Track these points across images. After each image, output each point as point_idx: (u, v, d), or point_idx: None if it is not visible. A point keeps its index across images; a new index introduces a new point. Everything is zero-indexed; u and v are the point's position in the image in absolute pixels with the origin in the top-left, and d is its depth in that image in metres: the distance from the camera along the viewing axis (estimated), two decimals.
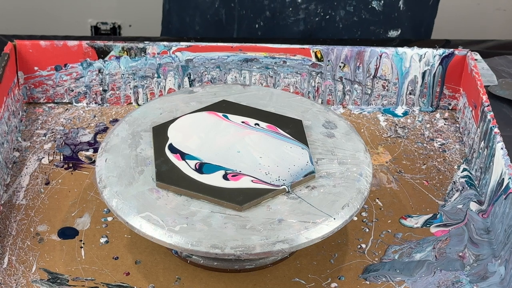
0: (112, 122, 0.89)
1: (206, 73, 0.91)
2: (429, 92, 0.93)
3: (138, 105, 0.92)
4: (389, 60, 0.91)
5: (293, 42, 0.94)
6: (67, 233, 0.75)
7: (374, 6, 1.13)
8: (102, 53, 0.90)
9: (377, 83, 0.92)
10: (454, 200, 0.81)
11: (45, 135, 0.87)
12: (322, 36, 1.17)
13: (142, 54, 0.90)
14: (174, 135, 0.75)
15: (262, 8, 1.16)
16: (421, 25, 1.23)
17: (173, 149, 0.73)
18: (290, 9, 1.14)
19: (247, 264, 0.71)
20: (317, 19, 1.14)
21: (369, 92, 0.93)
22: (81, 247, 0.73)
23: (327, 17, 1.14)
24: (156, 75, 0.91)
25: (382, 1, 1.14)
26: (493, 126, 0.79)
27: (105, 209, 0.77)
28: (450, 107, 0.94)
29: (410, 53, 0.91)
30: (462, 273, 0.72)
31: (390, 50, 0.91)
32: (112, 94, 0.92)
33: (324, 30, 1.17)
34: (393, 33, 1.18)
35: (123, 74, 0.91)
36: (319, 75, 0.92)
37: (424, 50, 0.91)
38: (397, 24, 1.18)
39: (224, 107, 0.79)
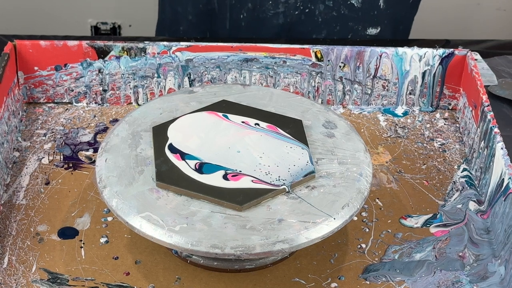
0: (112, 122, 0.89)
1: (206, 73, 0.91)
2: (429, 92, 0.93)
3: (138, 105, 0.92)
4: (389, 60, 0.91)
5: (292, 42, 0.94)
6: (67, 233, 0.75)
7: (353, 2, 1.14)
8: (102, 53, 0.90)
9: (377, 83, 0.92)
10: (454, 200, 0.81)
11: (45, 135, 0.87)
12: (301, 30, 1.17)
13: (142, 54, 0.90)
14: (174, 135, 0.75)
15: None
16: (400, 24, 1.23)
17: (173, 149, 0.73)
18: (270, 2, 1.15)
19: (247, 264, 0.71)
20: (296, 12, 1.15)
21: (369, 92, 0.93)
22: (81, 247, 0.73)
23: (307, 10, 1.15)
24: (156, 75, 0.91)
25: None
26: (493, 126, 0.79)
27: (105, 209, 0.77)
28: (450, 107, 0.94)
29: (410, 53, 0.91)
30: (462, 273, 0.72)
31: (390, 50, 0.91)
32: (112, 94, 0.92)
33: (303, 24, 1.17)
34: (372, 31, 1.18)
35: (123, 74, 0.91)
36: (319, 75, 0.92)
37: (424, 50, 0.91)
38: (376, 22, 1.18)
39: (224, 107, 0.79)
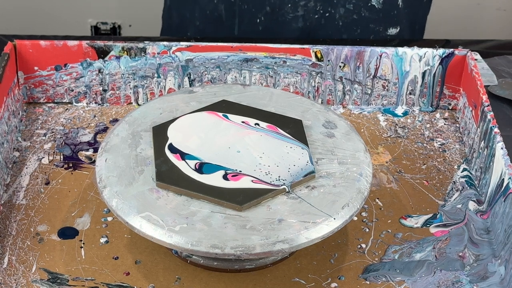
0: (112, 122, 0.89)
1: (206, 73, 0.91)
2: (429, 92, 0.93)
3: (138, 105, 0.92)
4: (389, 60, 0.91)
5: (292, 42, 0.94)
6: (67, 233, 0.75)
7: (374, 4, 1.14)
8: (102, 53, 0.90)
9: (377, 83, 0.92)
10: (454, 200, 0.81)
11: (45, 135, 0.87)
12: (322, 34, 1.17)
13: (142, 54, 0.90)
14: (174, 135, 0.75)
15: (263, 3, 1.16)
16: (416, 23, 1.23)
17: (173, 149, 0.73)
18: (289, 5, 1.14)
19: (247, 264, 0.71)
20: (316, 16, 1.14)
21: (369, 92, 0.93)
22: (81, 247, 0.73)
23: (327, 14, 1.14)
24: (156, 75, 0.91)
25: None
26: (493, 126, 0.79)
27: (105, 209, 0.77)
28: (450, 107, 0.94)
29: (410, 53, 0.91)
30: (462, 273, 0.72)
31: (390, 50, 0.91)
32: (112, 94, 0.92)
33: (323, 28, 1.17)
34: (392, 31, 1.18)
35: (123, 74, 0.91)
36: (319, 75, 0.92)
37: (424, 50, 0.91)
38: (396, 21, 1.18)
39: (224, 107, 0.79)
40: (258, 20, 1.17)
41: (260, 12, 1.17)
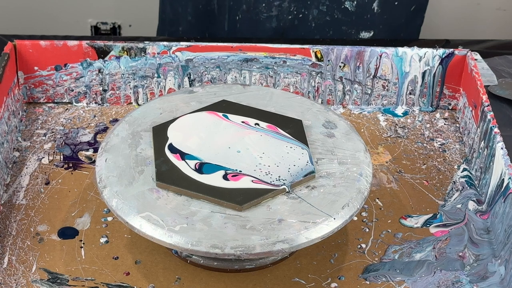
0: (112, 122, 0.89)
1: (206, 73, 0.91)
2: (429, 92, 0.93)
3: (138, 105, 0.92)
4: (389, 60, 0.91)
5: (292, 42, 0.94)
6: (67, 233, 0.75)
7: (347, 6, 1.14)
8: (102, 53, 0.90)
9: (377, 83, 0.92)
10: (454, 200, 0.81)
11: (45, 135, 0.87)
12: (294, 35, 1.18)
13: (142, 54, 0.90)
14: (174, 135, 0.75)
15: (240, 0, 1.17)
16: (401, 30, 1.23)
17: (173, 149, 0.73)
18: (263, 4, 1.15)
19: (247, 264, 0.71)
20: (290, 17, 1.15)
21: (369, 92, 0.93)
22: (81, 247, 0.73)
23: (300, 15, 1.15)
24: (156, 75, 0.91)
25: (355, 2, 1.15)
26: (493, 126, 0.79)
27: (105, 209, 0.77)
28: (450, 107, 0.94)
29: (410, 53, 0.91)
30: (462, 273, 0.72)
31: (390, 50, 0.91)
32: (112, 94, 0.92)
33: (296, 29, 1.17)
34: (365, 34, 1.19)
35: (123, 74, 0.91)
36: (319, 75, 0.92)
37: (424, 50, 0.91)
38: (370, 25, 1.19)
39: (224, 107, 0.79)
40: (237, 18, 1.18)
41: (238, 10, 1.17)
